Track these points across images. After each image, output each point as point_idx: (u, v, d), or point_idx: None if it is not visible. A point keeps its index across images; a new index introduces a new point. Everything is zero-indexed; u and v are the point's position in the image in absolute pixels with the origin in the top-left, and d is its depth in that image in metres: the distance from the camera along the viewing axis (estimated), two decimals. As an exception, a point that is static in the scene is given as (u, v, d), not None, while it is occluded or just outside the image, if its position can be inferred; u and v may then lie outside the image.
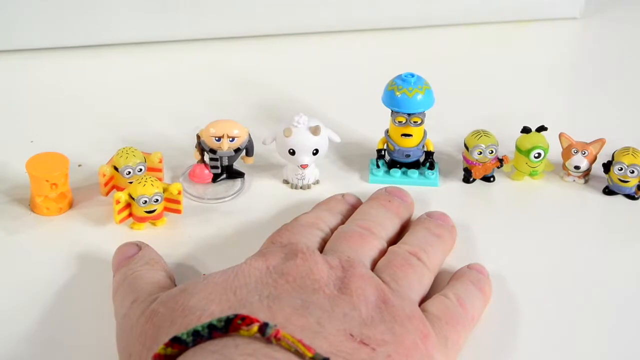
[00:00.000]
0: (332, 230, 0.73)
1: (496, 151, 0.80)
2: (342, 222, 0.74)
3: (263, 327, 0.56)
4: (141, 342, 0.61)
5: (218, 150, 0.79)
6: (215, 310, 0.60)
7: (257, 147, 0.81)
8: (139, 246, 0.71)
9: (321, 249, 0.70)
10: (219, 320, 0.57)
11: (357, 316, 0.61)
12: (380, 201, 0.76)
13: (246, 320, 0.56)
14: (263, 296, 0.61)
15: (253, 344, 0.56)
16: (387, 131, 0.82)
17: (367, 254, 0.69)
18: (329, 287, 0.63)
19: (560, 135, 0.82)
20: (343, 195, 0.78)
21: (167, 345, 0.56)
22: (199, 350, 0.56)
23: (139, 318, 0.62)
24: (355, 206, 0.77)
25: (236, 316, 0.57)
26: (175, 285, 0.68)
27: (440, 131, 0.85)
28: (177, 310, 0.61)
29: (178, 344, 0.56)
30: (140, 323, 0.62)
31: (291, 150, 0.79)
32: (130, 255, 0.70)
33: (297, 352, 0.56)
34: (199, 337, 0.57)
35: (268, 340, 0.56)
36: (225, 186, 0.81)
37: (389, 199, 0.76)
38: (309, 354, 0.55)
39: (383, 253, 0.70)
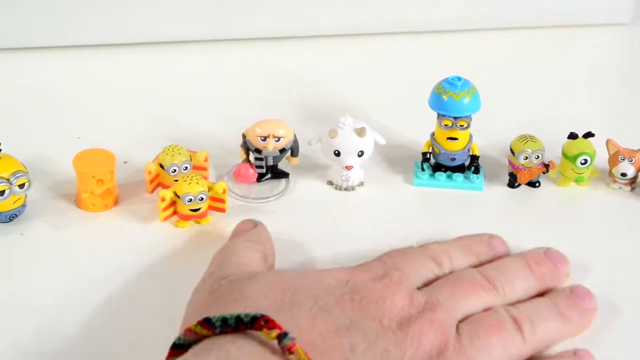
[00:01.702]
0: (453, 271, 0.69)
1: (542, 156, 0.80)
2: (474, 265, 0.70)
3: (281, 336, 0.56)
4: (199, 309, 0.62)
5: (263, 150, 0.79)
6: (262, 306, 0.61)
7: (302, 148, 0.81)
8: (255, 224, 0.73)
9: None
10: (246, 315, 0.58)
11: (397, 356, 0.59)
12: (528, 260, 0.70)
13: (269, 324, 0.57)
14: (317, 305, 0.61)
15: (265, 356, 0.57)
16: (432, 134, 0.81)
17: (467, 306, 0.65)
18: (390, 320, 0.61)
19: (608, 142, 0.81)
20: (491, 236, 0.73)
21: (199, 323, 0.58)
22: (221, 339, 0.57)
23: (207, 288, 0.64)
24: (498, 255, 0.72)
25: (262, 316, 0.57)
26: (269, 267, 0.70)
27: (486, 135, 0.85)
28: (235, 293, 0.62)
29: (208, 326, 0.58)
30: (205, 291, 0.64)
31: (336, 152, 0.79)
32: (245, 230, 0.72)
33: None
34: (227, 325, 0.58)
35: (282, 350, 0.56)
36: (270, 186, 0.81)
37: (538, 261, 0.70)
38: None
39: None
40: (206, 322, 0.58)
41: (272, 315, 0.58)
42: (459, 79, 0.79)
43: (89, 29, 0.98)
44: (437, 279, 0.67)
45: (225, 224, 0.77)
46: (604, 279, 0.73)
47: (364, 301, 0.62)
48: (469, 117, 0.79)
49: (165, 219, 0.76)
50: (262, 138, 0.78)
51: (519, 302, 0.67)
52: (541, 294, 0.69)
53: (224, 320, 0.58)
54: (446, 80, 0.79)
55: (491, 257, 0.71)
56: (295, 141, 0.80)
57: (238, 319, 0.58)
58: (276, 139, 0.78)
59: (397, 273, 0.65)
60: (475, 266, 0.70)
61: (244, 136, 0.80)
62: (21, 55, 0.97)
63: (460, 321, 0.64)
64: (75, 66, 0.97)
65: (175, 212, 0.76)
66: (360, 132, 0.78)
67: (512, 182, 0.81)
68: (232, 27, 1.00)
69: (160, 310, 0.68)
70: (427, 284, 0.67)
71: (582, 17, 1.05)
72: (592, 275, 0.73)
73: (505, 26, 1.04)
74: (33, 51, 0.98)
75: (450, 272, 0.68)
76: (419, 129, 0.84)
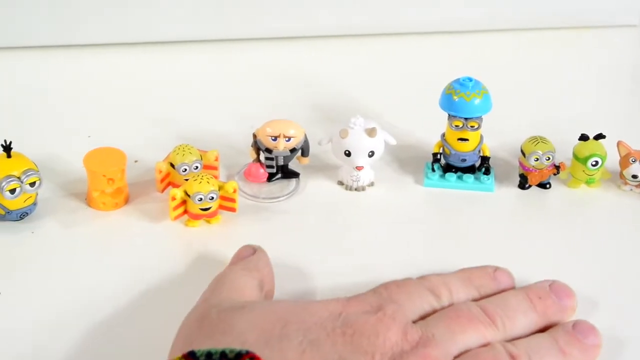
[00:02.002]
0: (452, 304, 0.67)
1: (553, 158, 0.80)
2: (474, 299, 0.67)
3: None
4: (186, 338, 0.61)
5: (274, 150, 0.79)
6: (250, 339, 0.59)
7: (313, 148, 0.81)
8: (254, 250, 0.71)
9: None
10: (231, 351, 0.56)
11: None
12: (529, 294, 0.67)
13: None
14: (307, 339, 0.60)
15: None
16: (443, 135, 0.81)
17: (464, 341, 0.63)
18: (382, 356, 0.59)
19: (619, 144, 0.81)
20: (496, 269, 0.70)
21: (183, 356, 0.57)
22: None
23: (197, 316, 0.63)
24: (502, 288, 0.69)
25: (247, 353, 0.56)
26: (267, 296, 0.68)
27: (497, 136, 0.85)
28: (223, 324, 0.61)
29: (192, 359, 0.57)
30: (194, 320, 0.63)
31: (347, 152, 0.79)
32: (244, 256, 0.70)
33: None
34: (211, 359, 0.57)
35: None
36: (280, 186, 0.81)
37: (540, 295, 0.67)
38: None
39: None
40: (190, 356, 0.57)
41: (260, 348, 0.58)
42: (470, 79, 0.79)
43: (102, 28, 0.98)
44: (434, 312, 0.65)
45: (235, 223, 0.77)
46: (613, 279, 0.73)
47: (356, 335, 0.60)
48: (479, 118, 0.79)
49: (176, 218, 0.76)
50: (273, 138, 0.78)
51: (520, 337, 0.65)
52: (545, 329, 0.66)
53: (209, 355, 0.56)
54: (457, 81, 0.79)
55: (494, 291, 0.68)
56: (306, 141, 0.80)
57: (223, 354, 0.56)
58: (287, 139, 0.78)
59: (392, 306, 0.63)
60: (476, 299, 0.67)
61: (254, 136, 0.80)
62: (32, 54, 0.98)
63: (456, 357, 0.62)
64: (87, 65, 0.97)
65: (185, 211, 0.76)
66: (371, 132, 0.78)
67: (523, 184, 0.81)
68: (243, 27, 1.00)
69: (170, 309, 0.68)
70: (423, 317, 0.64)
71: (593, 19, 1.05)
72: (601, 276, 0.73)
73: (517, 27, 1.04)
74: (44, 50, 0.98)
75: (449, 305, 0.66)
76: (430, 129, 0.84)
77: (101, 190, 0.77)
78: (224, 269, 0.69)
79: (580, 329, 0.65)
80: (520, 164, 0.81)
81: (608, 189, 0.82)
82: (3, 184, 0.72)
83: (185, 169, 0.78)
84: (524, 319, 0.66)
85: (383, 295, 0.65)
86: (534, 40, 1.04)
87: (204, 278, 0.68)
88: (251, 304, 0.63)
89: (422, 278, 0.68)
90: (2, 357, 0.65)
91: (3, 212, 0.75)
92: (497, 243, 0.76)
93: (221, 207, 0.77)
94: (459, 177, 0.82)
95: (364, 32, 1.03)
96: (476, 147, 0.81)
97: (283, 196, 0.80)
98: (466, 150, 0.81)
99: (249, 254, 0.70)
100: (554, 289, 0.68)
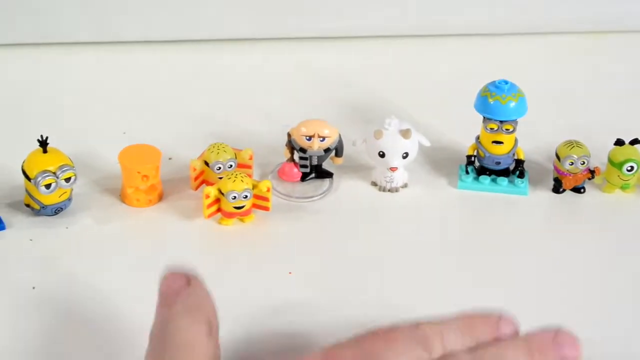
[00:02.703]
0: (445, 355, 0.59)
1: (588, 162, 0.79)
2: (471, 348, 0.59)
3: None
4: None
5: (308, 150, 0.79)
6: None
7: (347, 148, 0.81)
8: (188, 279, 0.60)
9: None
10: None
11: None
12: (531, 346, 0.59)
13: None
14: None
15: None
16: (477, 137, 0.81)
17: None
18: None
19: (654, 149, 0.81)
20: (500, 318, 0.61)
21: None
22: None
23: None
24: (508, 337, 0.61)
25: None
26: (214, 335, 0.59)
27: (532, 139, 0.84)
28: None
29: None
30: None
31: (381, 153, 0.79)
32: (177, 289, 0.59)
33: None
34: None
35: None
36: (314, 185, 0.81)
37: (542, 349, 0.59)
38: None
39: None
40: None
41: None
42: (506, 82, 0.79)
43: (132, 25, 0.98)
44: None
45: (268, 222, 0.77)
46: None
47: None
48: (515, 121, 0.79)
49: (209, 216, 0.76)
50: (307, 137, 0.78)
51: None
52: None
53: None
54: (493, 83, 0.79)
55: (493, 338, 0.60)
56: (340, 141, 0.80)
57: None
58: (321, 139, 0.79)
59: None
60: (472, 348, 0.59)
61: (289, 135, 0.80)
62: (70, 50, 0.98)
63: None
64: (123, 62, 0.97)
65: (219, 210, 0.76)
66: (406, 133, 0.78)
67: (557, 188, 0.81)
68: (277, 27, 1.00)
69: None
70: None
71: (628, 23, 1.04)
72: (635, 282, 0.73)
73: (553, 30, 1.04)
74: (82, 47, 0.98)
75: (441, 356, 0.58)
76: (464, 131, 0.83)
77: (135, 186, 0.77)
78: (163, 314, 0.59)
79: (562, 341, 0.59)
80: (555, 167, 0.81)
81: (643, 194, 0.82)
82: (39, 178, 0.73)
83: (220, 167, 0.78)
84: None
85: (366, 349, 0.57)
86: (570, 44, 1.03)
87: (237, 276, 0.69)
88: None
89: (414, 327, 0.58)
90: (34, 350, 0.65)
91: (38, 207, 0.75)
92: (530, 247, 0.76)
93: (255, 205, 0.77)
94: (493, 180, 0.81)
95: (398, 34, 1.02)
96: (511, 150, 0.80)
97: (316, 196, 0.80)
98: (501, 153, 0.80)
99: (183, 285, 0.59)
100: (559, 340, 0.60)
